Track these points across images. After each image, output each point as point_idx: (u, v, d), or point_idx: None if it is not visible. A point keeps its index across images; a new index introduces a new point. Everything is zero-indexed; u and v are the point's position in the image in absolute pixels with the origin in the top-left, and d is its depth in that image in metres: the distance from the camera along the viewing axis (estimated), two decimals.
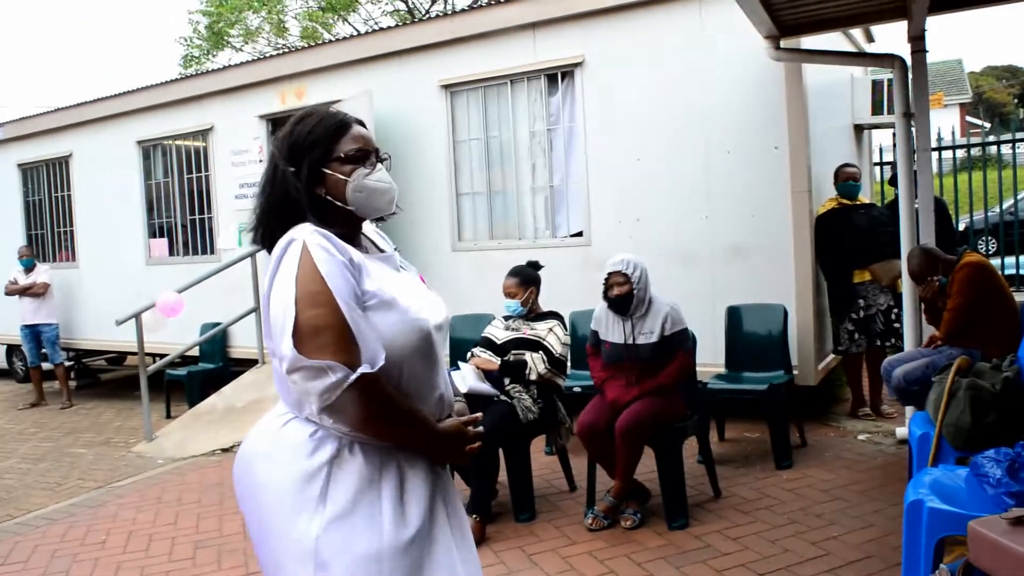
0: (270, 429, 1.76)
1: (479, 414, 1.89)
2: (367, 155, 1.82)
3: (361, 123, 1.87)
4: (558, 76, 6.46)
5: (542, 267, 4.79)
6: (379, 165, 1.84)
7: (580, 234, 6.45)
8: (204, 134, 8.72)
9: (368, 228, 1.95)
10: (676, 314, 4.20)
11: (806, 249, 5.58)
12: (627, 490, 4.16)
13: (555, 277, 6.24)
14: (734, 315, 5.56)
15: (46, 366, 9.83)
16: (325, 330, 1.61)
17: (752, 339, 5.48)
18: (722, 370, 5.52)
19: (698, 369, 5.25)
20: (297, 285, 1.63)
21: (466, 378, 4.31)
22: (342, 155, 1.80)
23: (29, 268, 9.64)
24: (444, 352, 1.85)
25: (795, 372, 5.51)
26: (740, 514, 4.20)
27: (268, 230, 1.80)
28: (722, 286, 5.80)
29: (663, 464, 4.14)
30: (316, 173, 1.79)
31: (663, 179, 6.00)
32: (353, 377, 1.60)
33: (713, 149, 5.80)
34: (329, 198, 1.79)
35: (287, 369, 1.62)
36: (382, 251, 1.90)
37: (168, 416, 8.15)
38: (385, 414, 1.66)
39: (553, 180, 6.59)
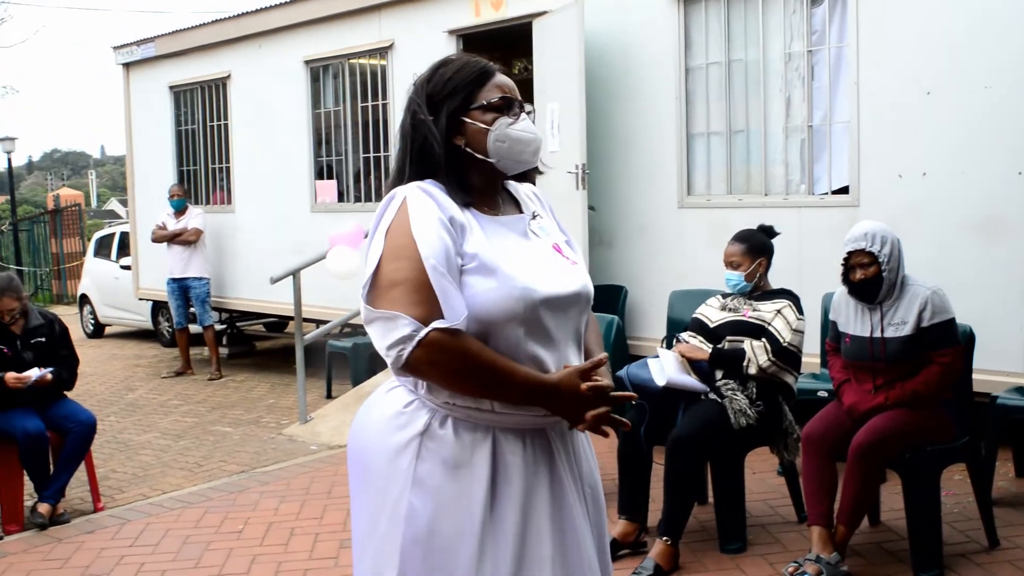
0: (377, 396, 2.32)
1: (603, 380, 2.18)
2: (511, 104, 2.30)
3: (505, 72, 2.35)
4: None
5: (777, 234, 5.10)
6: (523, 115, 2.30)
7: (845, 191, 6.63)
8: (383, 52, 9.62)
9: (522, 186, 2.45)
10: (939, 300, 4.38)
11: None
12: (850, 535, 4.36)
13: (810, 247, 6.51)
14: None
15: (194, 329, 11.25)
16: (401, 284, 2.09)
17: None
18: None
19: (987, 378, 5.34)
20: (387, 239, 2.15)
21: (666, 367, 4.74)
22: (484, 103, 2.27)
23: (180, 211, 11.03)
24: (565, 330, 2.26)
25: None
26: (1018, 571, 4.36)
27: (404, 183, 2.26)
28: None
29: (913, 496, 4.36)
30: (455, 122, 2.27)
31: (962, 120, 6.04)
32: (424, 332, 2.05)
33: None
34: (468, 150, 2.27)
35: (364, 322, 2.15)
36: (522, 212, 2.38)
37: (329, 396, 9.21)
38: (468, 369, 2.09)
39: (813, 118, 6.78)
